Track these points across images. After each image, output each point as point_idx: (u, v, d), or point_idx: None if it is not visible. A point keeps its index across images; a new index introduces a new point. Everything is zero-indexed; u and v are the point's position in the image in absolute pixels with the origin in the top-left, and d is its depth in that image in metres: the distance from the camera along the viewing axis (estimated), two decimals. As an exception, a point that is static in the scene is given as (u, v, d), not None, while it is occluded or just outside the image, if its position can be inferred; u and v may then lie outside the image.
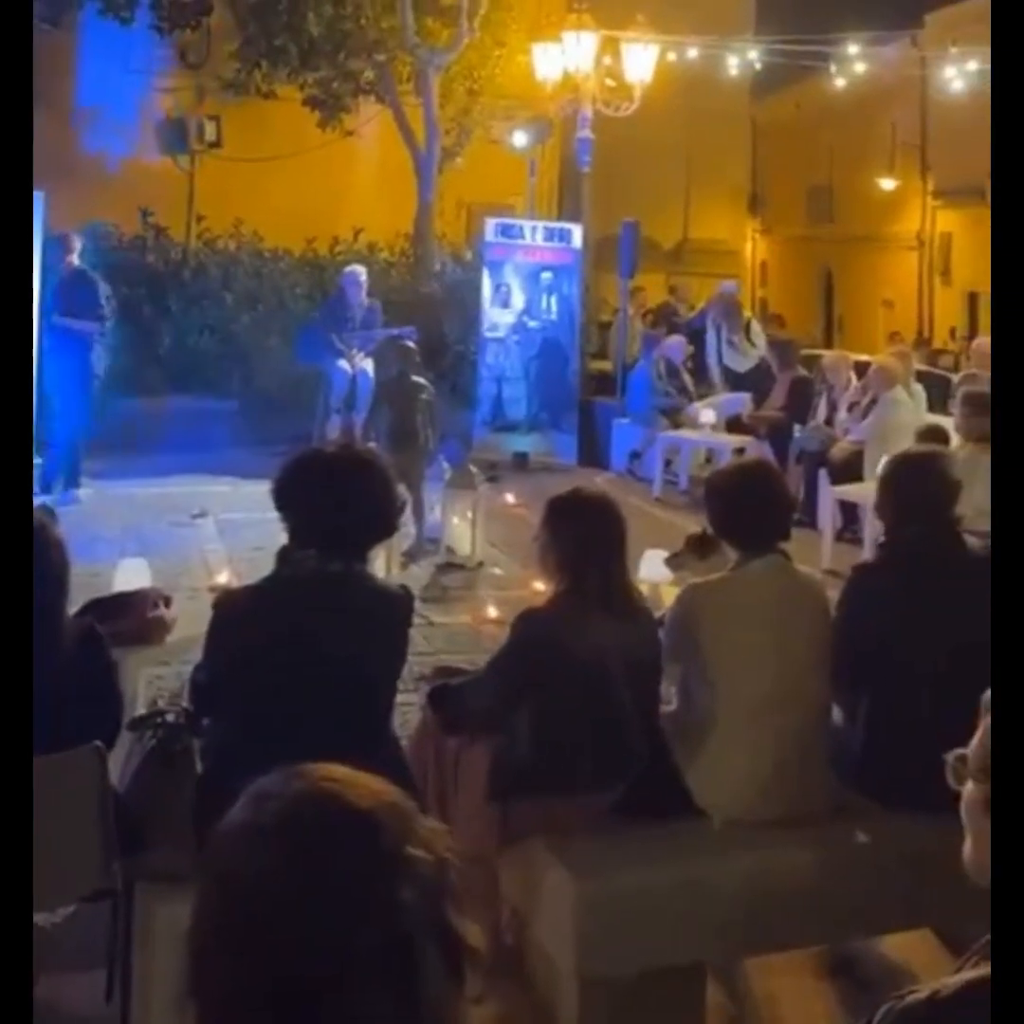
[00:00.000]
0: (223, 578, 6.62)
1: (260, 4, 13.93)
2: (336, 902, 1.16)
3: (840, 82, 15.82)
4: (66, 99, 15.68)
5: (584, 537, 3.56)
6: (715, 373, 11.69)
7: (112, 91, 15.60)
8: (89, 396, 9.66)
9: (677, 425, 11.27)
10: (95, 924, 3.42)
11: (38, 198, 11.37)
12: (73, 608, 3.68)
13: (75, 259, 9.71)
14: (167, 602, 4.67)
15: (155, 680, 5.46)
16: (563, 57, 13.19)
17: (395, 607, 3.37)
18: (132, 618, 4.43)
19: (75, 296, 9.46)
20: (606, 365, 13.90)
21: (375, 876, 1.18)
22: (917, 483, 3.83)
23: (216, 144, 15.74)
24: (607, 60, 13.35)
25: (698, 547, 4.53)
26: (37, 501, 7.17)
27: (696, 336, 12.24)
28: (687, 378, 11.90)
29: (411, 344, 9.10)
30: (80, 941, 3.57)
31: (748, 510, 3.69)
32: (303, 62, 14.37)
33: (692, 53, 14.96)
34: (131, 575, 5.14)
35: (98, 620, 3.65)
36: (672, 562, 5.06)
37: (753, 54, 15.65)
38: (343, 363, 10.80)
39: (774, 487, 3.84)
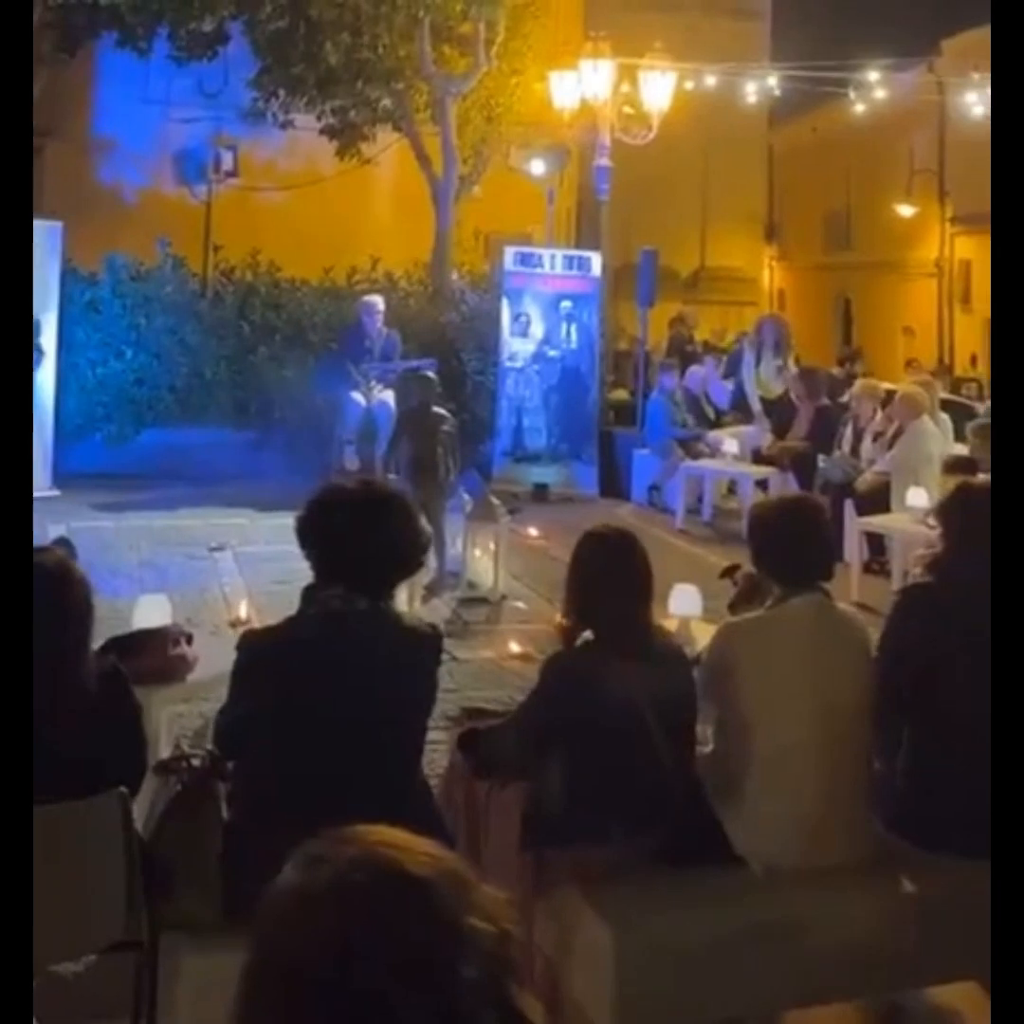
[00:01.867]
0: (243, 613, 6.54)
1: (277, 33, 13.95)
2: (390, 976, 1.11)
3: (857, 108, 15.82)
4: (83, 130, 15.78)
5: (601, 574, 3.51)
6: (754, 400, 11.53)
7: (129, 122, 15.70)
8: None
9: (695, 455, 11.17)
10: (119, 973, 3.33)
11: (56, 229, 11.44)
12: (94, 643, 3.63)
13: None
14: (188, 639, 4.61)
15: (177, 718, 5.39)
16: (580, 85, 13.21)
17: (424, 646, 3.34)
18: (153, 656, 4.37)
19: None
20: (625, 395, 13.85)
21: (433, 949, 1.13)
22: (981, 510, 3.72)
23: (233, 174, 15.81)
24: (625, 88, 13.35)
25: (755, 590, 4.39)
26: (58, 532, 7.17)
27: (730, 365, 12.16)
28: (707, 407, 11.81)
29: (432, 375, 9.05)
30: (103, 990, 3.50)
31: (792, 546, 3.62)
32: (320, 91, 14.40)
33: (710, 80, 14.98)
34: (151, 611, 5.06)
35: (118, 658, 3.60)
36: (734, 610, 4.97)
37: (771, 81, 15.66)
38: (357, 395, 10.76)
39: (819, 524, 3.76)
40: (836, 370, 15.73)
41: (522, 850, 3.40)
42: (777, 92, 15.85)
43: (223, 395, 11.95)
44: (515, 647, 6.76)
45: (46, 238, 11.23)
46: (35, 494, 10.21)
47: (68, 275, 11.52)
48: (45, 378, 11.05)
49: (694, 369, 12.35)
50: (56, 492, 10.66)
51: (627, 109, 13.52)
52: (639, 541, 3.63)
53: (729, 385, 12.16)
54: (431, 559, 7.98)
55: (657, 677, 3.43)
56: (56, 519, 9.02)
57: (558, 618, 4.84)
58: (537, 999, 3.47)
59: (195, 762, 3.42)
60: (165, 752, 3.88)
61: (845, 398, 11.23)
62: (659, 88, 13.09)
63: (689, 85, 14.35)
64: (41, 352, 10.04)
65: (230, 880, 3.08)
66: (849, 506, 9.08)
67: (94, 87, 15.87)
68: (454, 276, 14.11)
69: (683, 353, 13.86)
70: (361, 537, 3.22)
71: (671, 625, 4.63)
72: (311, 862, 1.21)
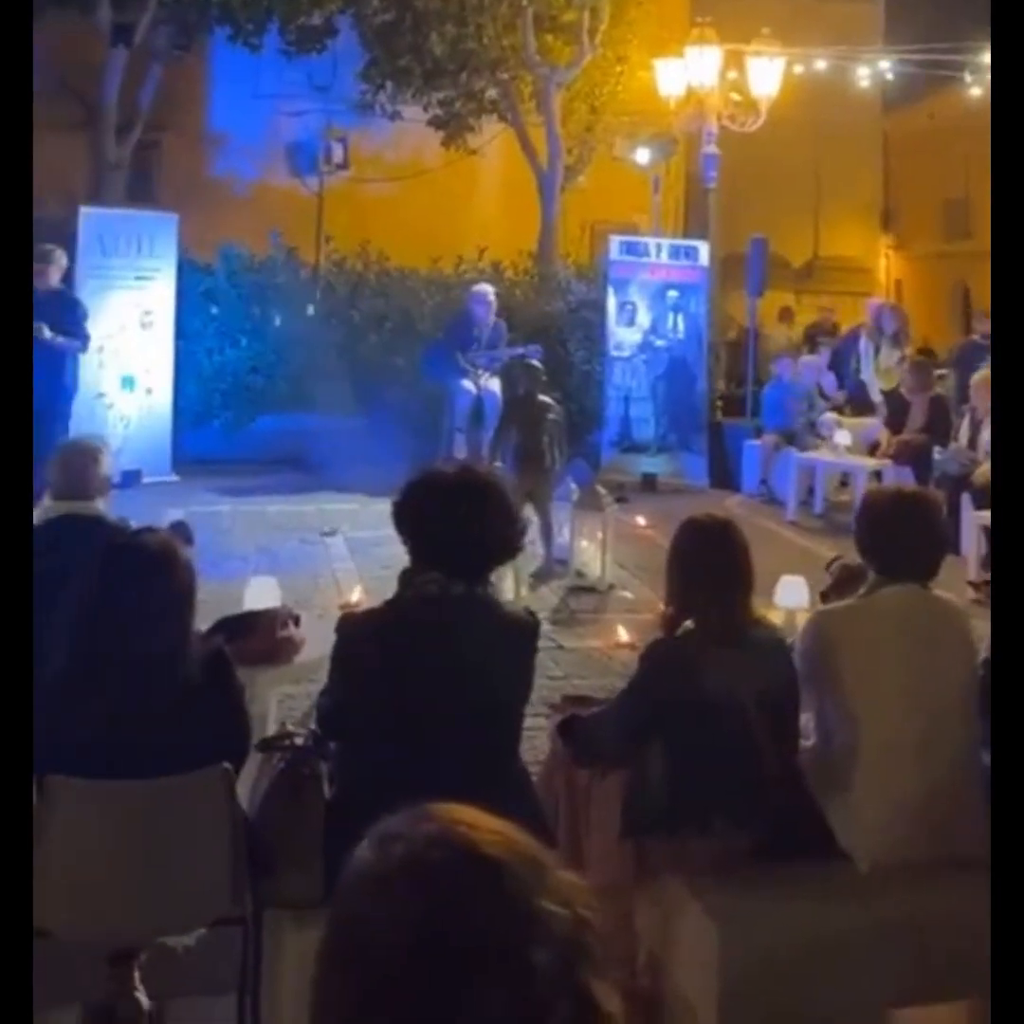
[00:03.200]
0: (354, 597, 6.65)
1: (384, 26, 14.10)
2: (461, 957, 1.11)
3: (975, 91, 15.44)
4: (197, 124, 16.09)
5: (702, 563, 3.51)
6: (874, 392, 11.32)
7: (241, 116, 15.96)
8: (68, 412, 9.72)
9: (804, 447, 11.05)
10: (226, 948, 3.43)
11: (172, 221, 11.73)
12: (204, 625, 3.73)
13: (55, 280, 9.69)
14: (296, 621, 4.70)
15: (286, 699, 5.51)
16: (686, 72, 13.07)
17: (520, 632, 3.33)
18: (262, 637, 4.47)
19: (62, 315, 9.50)
20: (735, 385, 13.76)
21: (505, 931, 1.12)
22: None
23: (343, 165, 15.99)
24: (732, 74, 13.19)
25: (849, 582, 4.39)
26: (176, 515, 7.37)
27: (836, 356, 12.00)
28: (820, 399, 11.69)
29: (537, 363, 9.08)
30: (211, 965, 3.61)
31: (897, 536, 3.57)
32: (427, 82, 14.51)
33: (820, 65, 14.75)
34: (261, 593, 5.18)
35: (228, 638, 3.71)
36: (826, 599, 4.94)
37: (884, 65, 15.36)
38: (467, 382, 10.83)
39: (930, 519, 3.69)
40: None
41: (623, 839, 3.41)
42: (890, 76, 15.55)
43: (335, 383, 12.11)
44: (622, 636, 6.75)
45: (162, 230, 11.55)
46: (157, 479, 10.61)
47: (184, 266, 11.79)
48: (165, 366, 11.35)
49: (807, 359, 12.21)
50: (175, 477, 10.94)
51: (734, 96, 13.37)
52: (738, 529, 3.62)
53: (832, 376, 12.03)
54: (539, 547, 8.04)
55: (757, 667, 3.42)
56: (175, 503, 9.25)
57: (664, 608, 4.87)
58: (638, 987, 3.51)
59: (298, 741, 3.47)
60: (273, 731, 3.98)
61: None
62: (767, 74, 12.91)
63: (798, 69, 14.14)
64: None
65: (331, 860, 3.09)
66: (966, 499, 8.93)
67: (207, 82, 16.16)
68: (559, 266, 14.14)
69: (813, 344, 13.63)
70: (455, 522, 3.22)
71: (777, 617, 4.61)
72: (385, 840, 1.20)
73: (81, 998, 3.56)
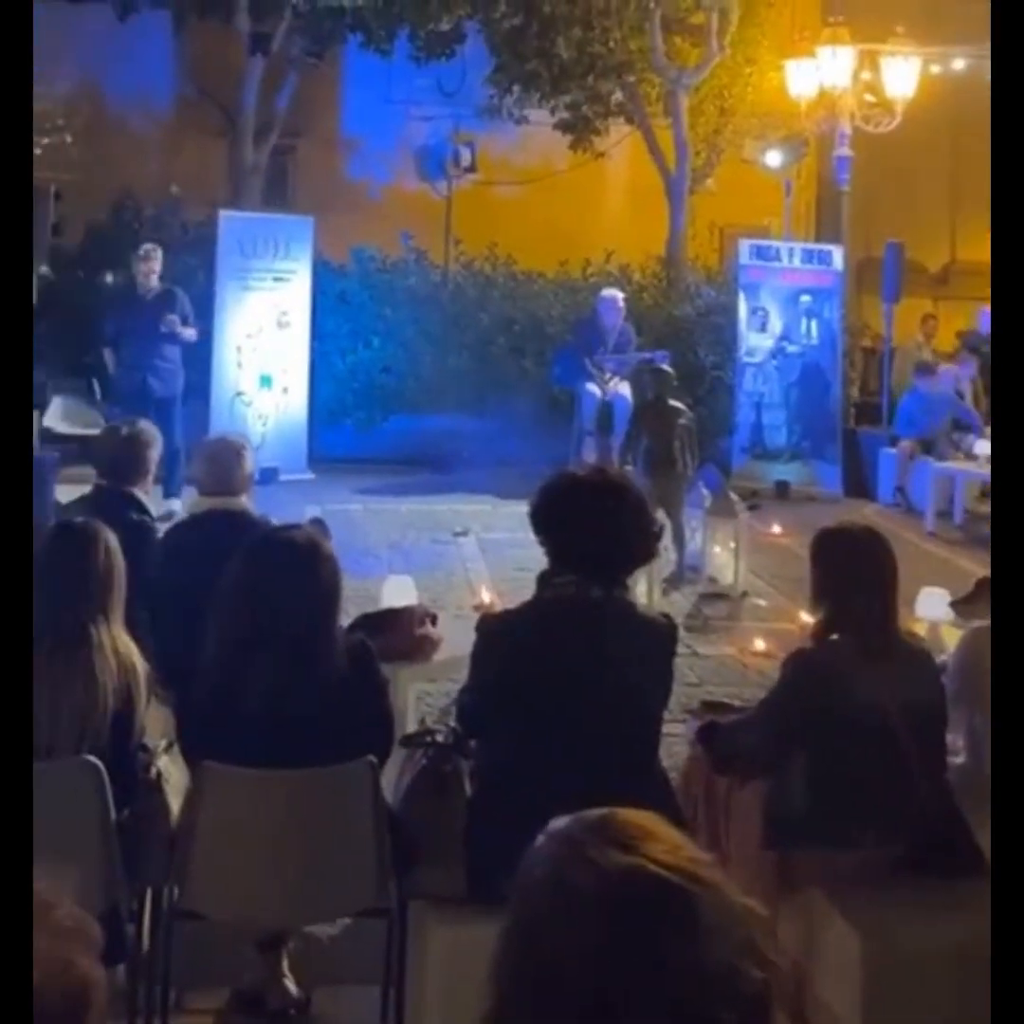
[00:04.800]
0: (487, 597, 6.70)
1: (512, 31, 14.15)
2: (650, 1007, 1.12)
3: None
4: (332, 130, 16.32)
5: (852, 573, 3.46)
6: None
7: (373, 121, 16.14)
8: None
9: (942, 456, 10.84)
10: (372, 939, 3.49)
11: (307, 224, 11.97)
12: (343, 622, 3.80)
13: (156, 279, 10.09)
14: (433, 620, 4.77)
15: (423, 696, 5.58)
16: (818, 73, 12.88)
17: (658, 635, 3.34)
18: (400, 634, 4.55)
19: (177, 310, 9.96)
20: (870, 393, 13.53)
21: (697, 989, 1.12)
22: None
23: (472, 169, 16.08)
24: (865, 75, 12.97)
25: (983, 593, 4.32)
26: (313, 513, 7.54)
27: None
28: (965, 407, 11.45)
29: (667, 368, 9.05)
30: (357, 955, 3.66)
31: None
32: (554, 86, 14.51)
33: (958, 64, 14.44)
34: (398, 591, 5.26)
35: (367, 635, 3.77)
36: (961, 609, 4.85)
37: (1024, 63, 14.97)
38: (594, 386, 10.83)
39: None
40: None
41: (764, 848, 3.39)
42: (1031, 75, 15.14)
43: (465, 384, 12.24)
44: (759, 644, 6.68)
45: (298, 232, 11.79)
46: (293, 476, 10.83)
47: (319, 268, 12.00)
48: (301, 366, 11.55)
49: (946, 368, 11.96)
50: (311, 475, 11.15)
51: (869, 97, 13.17)
52: (886, 539, 3.59)
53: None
54: (671, 553, 8.01)
55: (905, 679, 3.38)
56: (311, 501, 9.47)
57: (802, 617, 4.82)
58: (780, 998, 3.46)
59: (439, 738, 3.52)
60: (412, 728, 4.03)
61: None
62: (903, 74, 12.68)
63: (935, 69, 13.86)
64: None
65: (473, 856, 3.17)
66: None
67: (341, 89, 16.36)
68: (688, 269, 14.06)
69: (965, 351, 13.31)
70: (593, 525, 3.25)
71: (919, 629, 4.55)
72: (577, 856, 1.20)
73: (230, 982, 3.65)
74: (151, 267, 10.00)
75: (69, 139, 11.03)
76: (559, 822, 1.27)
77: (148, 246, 10.22)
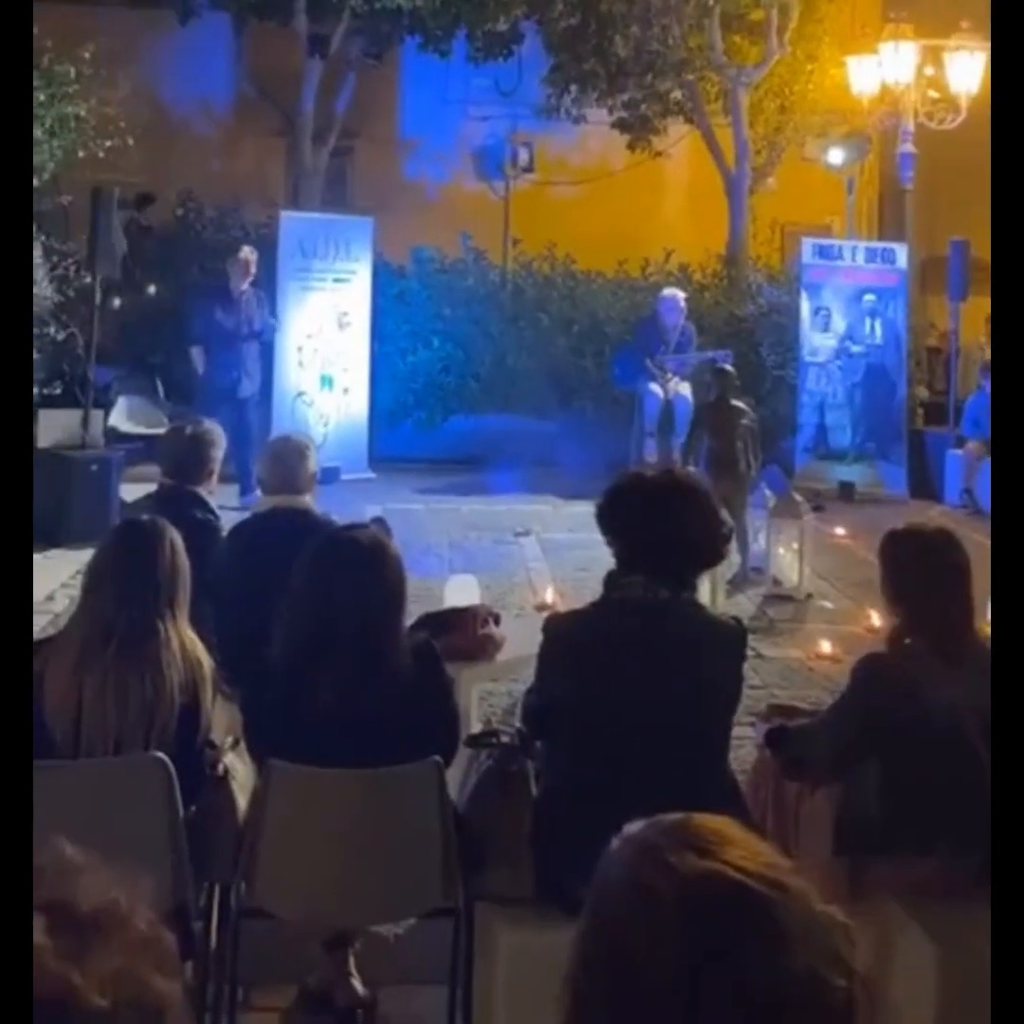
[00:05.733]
0: (549, 598, 6.69)
1: (569, 29, 14.13)
2: (727, 1009, 1.10)
3: None
4: (391, 131, 16.38)
5: (924, 575, 3.40)
6: None
7: (431, 121, 16.19)
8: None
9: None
10: (437, 940, 3.48)
11: (367, 224, 12.01)
12: (407, 619, 3.79)
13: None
14: (496, 620, 4.75)
15: (487, 696, 5.57)
16: (880, 69, 12.76)
17: (728, 638, 3.30)
18: (463, 634, 4.53)
19: (266, 309, 10.40)
20: (937, 393, 13.38)
21: (778, 997, 1.11)
22: None
23: (529, 169, 16.10)
24: (929, 70, 12.82)
25: None
26: (375, 512, 7.59)
27: None
28: None
29: (729, 368, 8.99)
30: (423, 955, 3.65)
31: None
32: (611, 84, 14.47)
33: (1025, 59, 14.26)
34: (461, 591, 5.27)
35: (431, 634, 3.78)
36: None
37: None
38: (656, 387, 10.79)
39: None
40: None
41: (837, 855, 3.34)
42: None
43: (525, 384, 12.25)
44: (825, 647, 6.63)
45: (358, 233, 11.84)
46: (355, 476, 10.90)
47: (379, 268, 12.04)
48: (361, 366, 11.60)
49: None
50: (372, 475, 11.20)
51: (932, 92, 13.01)
52: (960, 541, 3.52)
53: None
54: (734, 554, 7.95)
55: (980, 684, 3.27)
56: (372, 501, 9.54)
57: (868, 619, 4.76)
58: (864, 1008, 3.41)
59: (504, 739, 3.52)
60: (475, 728, 4.02)
61: None
62: (967, 69, 12.51)
63: (1001, 64, 13.69)
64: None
65: (540, 858, 3.15)
66: None
67: (399, 90, 16.42)
68: (749, 269, 13.97)
69: None
70: (661, 526, 3.22)
71: (989, 632, 4.48)
72: (654, 861, 1.19)
73: (296, 981, 3.65)
74: (248, 269, 10.27)
75: (131, 141, 11.12)
76: (634, 826, 1.25)
77: (247, 248, 10.51)
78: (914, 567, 3.46)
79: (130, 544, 3.47)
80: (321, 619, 3.36)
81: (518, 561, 8.62)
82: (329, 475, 10.04)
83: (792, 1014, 1.11)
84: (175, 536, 3.50)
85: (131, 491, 6.88)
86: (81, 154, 10.81)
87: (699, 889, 1.16)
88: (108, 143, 11.04)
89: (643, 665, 3.17)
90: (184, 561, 3.49)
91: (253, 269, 10.31)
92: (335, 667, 3.31)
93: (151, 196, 13.44)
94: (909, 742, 3.28)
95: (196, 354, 10.16)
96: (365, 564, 3.38)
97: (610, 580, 3.36)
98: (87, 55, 10.59)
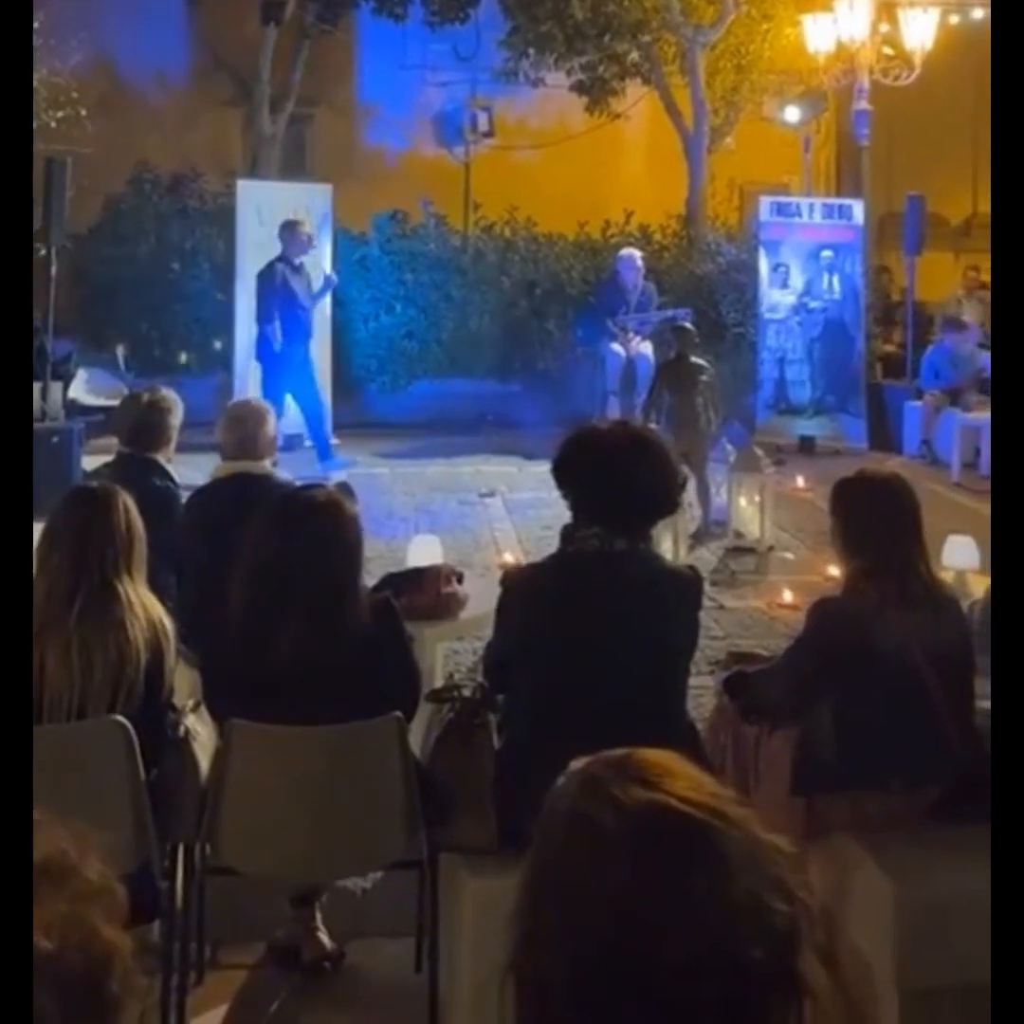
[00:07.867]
0: (512, 557, 6.73)
1: (525, -9, 14.04)
2: (677, 944, 1.11)
3: None
4: (347, 97, 16.24)
5: (874, 519, 3.44)
6: None
7: (389, 87, 16.06)
8: None
9: (968, 407, 10.74)
10: (402, 892, 3.54)
11: (326, 192, 11.93)
12: (371, 580, 3.80)
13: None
14: (460, 578, 4.78)
15: (451, 655, 5.61)
16: (836, 27, 12.70)
17: (683, 586, 3.32)
18: (426, 593, 4.56)
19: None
20: (894, 346, 13.44)
21: (723, 929, 1.12)
22: None
23: (489, 134, 16.02)
24: (884, 27, 12.80)
25: None
26: (339, 477, 7.60)
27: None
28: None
29: (689, 326, 9.02)
30: (389, 907, 3.70)
31: None
32: (569, 47, 14.38)
33: (978, 14, 14.23)
34: (424, 551, 5.29)
35: (394, 594, 3.77)
36: None
37: (1047, 11, 14.74)
38: (617, 346, 10.83)
39: None
40: None
41: (794, 795, 3.39)
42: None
43: (488, 348, 12.25)
44: (786, 596, 6.70)
45: (317, 200, 11.76)
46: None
47: (339, 235, 11.99)
48: (323, 332, 11.59)
49: (971, 319, 11.88)
50: (336, 440, 11.18)
51: (887, 49, 12.99)
52: (908, 484, 3.56)
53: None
54: (696, 508, 8.01)
55: (931, 625, 3.35)
56: (336, 466, 9.55)
57: (828, 569, 4.80)
58: (811, 937, 3.46)
59: (465, 692, 3.51)
60: (439, 685, 4.05)
61: None
62: (922, 25, 12.50)
63: (954, 19, 13.67)
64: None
65: (501, 807, 3.18)
66: None
67: (356, 56, 16.27)
68: (708, 228, 13.98)
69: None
70: (616, 477, 3.23)
71: (946, 577, 4.53)
72: (598, 793, 1.20)
73: (264, 937, 3.68)
74: (311, 241, 10.57)
75: (84, 112, 11.00)
76: (579, 762, 1.27)
77: (301, 218, 10.67)
78: (860, 513, 3.49)
79: (83, 509, 3.46)
80: (278, 577, 3.35)
81: (484, 521, 8.66)
82: (292, 442, 10.04)
83: (735, 939, 1.12)
84: (127, 499, 3.49)
85: (94, 463, 6.86)
86: (33, 124, 10.68)
87: (643, 819, 1.17)
88: (59, 114, 10.94)
89: (600, 614, 3.20)
90: (139, 523, 3.48)
91: (314, 241, 10.59)
92: (293, 625, 3.32)
93: None
94: (862, 681, 3.33)
95: (274, 330, 10.14)
96: (321, 521, 3.39)
97: (567, 533, 3.38)
98: (37, 24, 10.46)
